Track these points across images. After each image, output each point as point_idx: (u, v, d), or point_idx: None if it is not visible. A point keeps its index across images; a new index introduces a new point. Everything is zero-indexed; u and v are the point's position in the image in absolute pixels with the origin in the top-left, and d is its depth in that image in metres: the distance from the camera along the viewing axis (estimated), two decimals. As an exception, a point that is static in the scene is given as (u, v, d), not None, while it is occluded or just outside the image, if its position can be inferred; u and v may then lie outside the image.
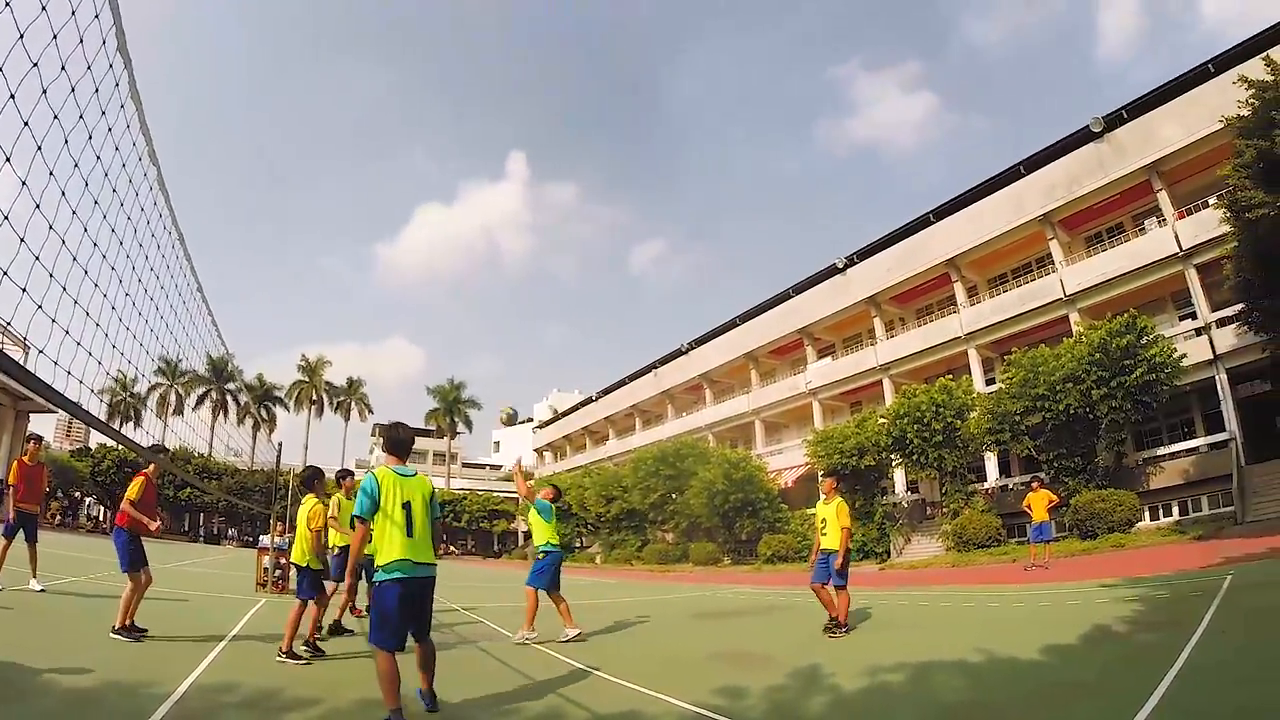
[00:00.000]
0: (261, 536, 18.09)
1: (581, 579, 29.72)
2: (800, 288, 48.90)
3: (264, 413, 70.93)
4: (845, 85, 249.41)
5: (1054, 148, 33.82)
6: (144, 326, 5.94)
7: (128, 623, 8.34)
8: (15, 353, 50.18)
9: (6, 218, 3.23)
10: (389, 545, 5.44)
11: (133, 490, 8.93)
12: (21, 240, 3.46)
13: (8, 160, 3.18)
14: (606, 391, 74.34)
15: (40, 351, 3.83)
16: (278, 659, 7.67)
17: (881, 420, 33.31)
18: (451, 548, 71.71)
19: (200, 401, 74.92)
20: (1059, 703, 6.02)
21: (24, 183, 3.39)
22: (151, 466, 9.46)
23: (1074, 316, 31.92)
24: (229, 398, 75.49)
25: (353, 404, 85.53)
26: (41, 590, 11.09)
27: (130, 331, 5.56)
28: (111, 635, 8.14)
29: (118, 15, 3.87)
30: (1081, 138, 32.56)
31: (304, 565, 8.68)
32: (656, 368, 64.66)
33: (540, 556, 10.45)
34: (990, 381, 34.88)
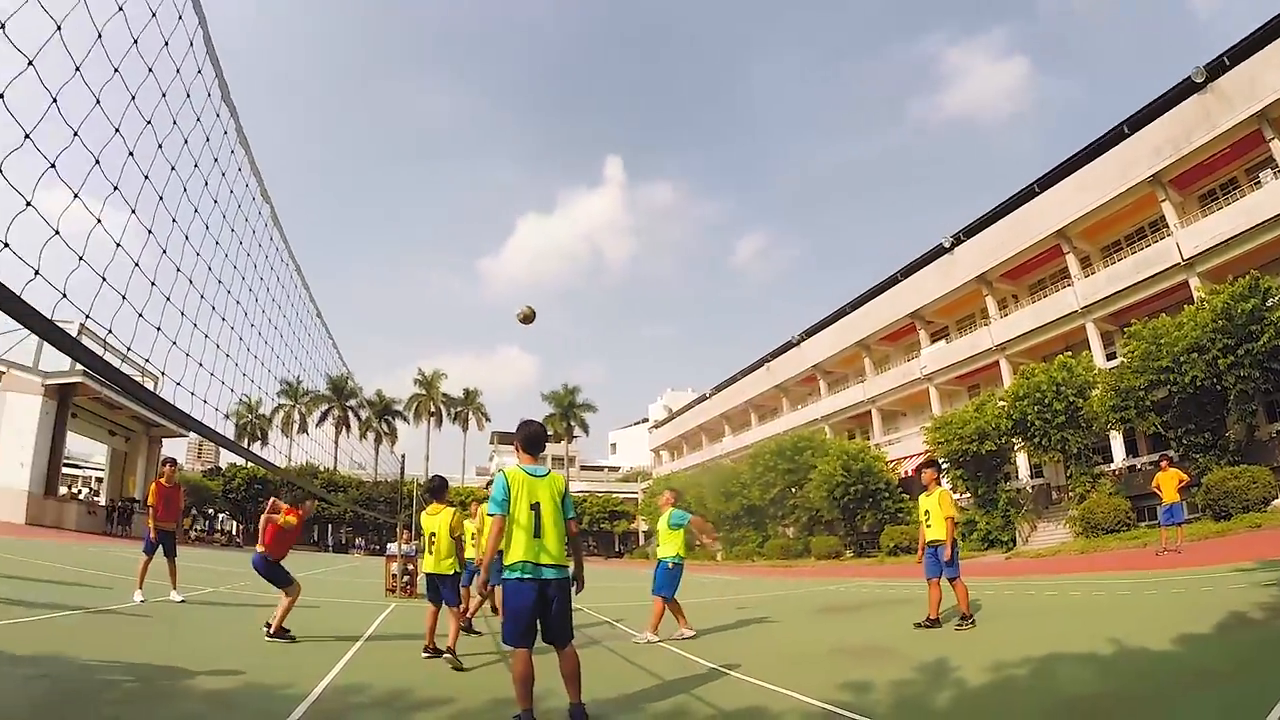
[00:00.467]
0: (389, 544, 18.76)
1: (703, 576, 29.80)
2: (908, 270, 47.84)
3: (385, 426, 73.03)
4: (933, 58, 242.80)
5: (1157, 104, 32.25)
6: (268, 352, 6.32)
7: (281, 627, 9.02)
8: (147, 384, 53.08)
9: (137, 265, 3.57)
10: (514, 545, 5.45)
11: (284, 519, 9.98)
12: (153, 284, 3.78)
13: (133, 212, 3.49)
14: (720, 388, 73.98)
15: (177, 383, 4.14)
16: (424, 655, 8.36)
17: (1000, 403, 32.22)
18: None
19: (323, 419, 77.89)
20: (1192, 693, 5.82)
21: (149, 231, 3.71)
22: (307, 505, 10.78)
23: (1194, 282, 30.18)
24: (350, 414, 77.97)
25: (470, 414, 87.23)
26: (181, 601, 11.91)
27: (256, 357, 5.92)
28: (267, 640, 8.79)
29: (219, 68, 4.17)
30: (1184, 90, 30.94)
31: (449, 573, 8.93)
32: (768, 361, 63.97)
33: (671, 567, 10.66)
34: (1111, 356, 33.56)
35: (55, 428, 41.70)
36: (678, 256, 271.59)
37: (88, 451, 72.83)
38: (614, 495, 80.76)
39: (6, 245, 2.23)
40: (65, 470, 52.91)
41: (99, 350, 3.25)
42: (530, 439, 5.96)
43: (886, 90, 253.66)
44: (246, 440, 75.80)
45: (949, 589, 10.25)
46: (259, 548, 9.66)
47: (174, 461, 13.32)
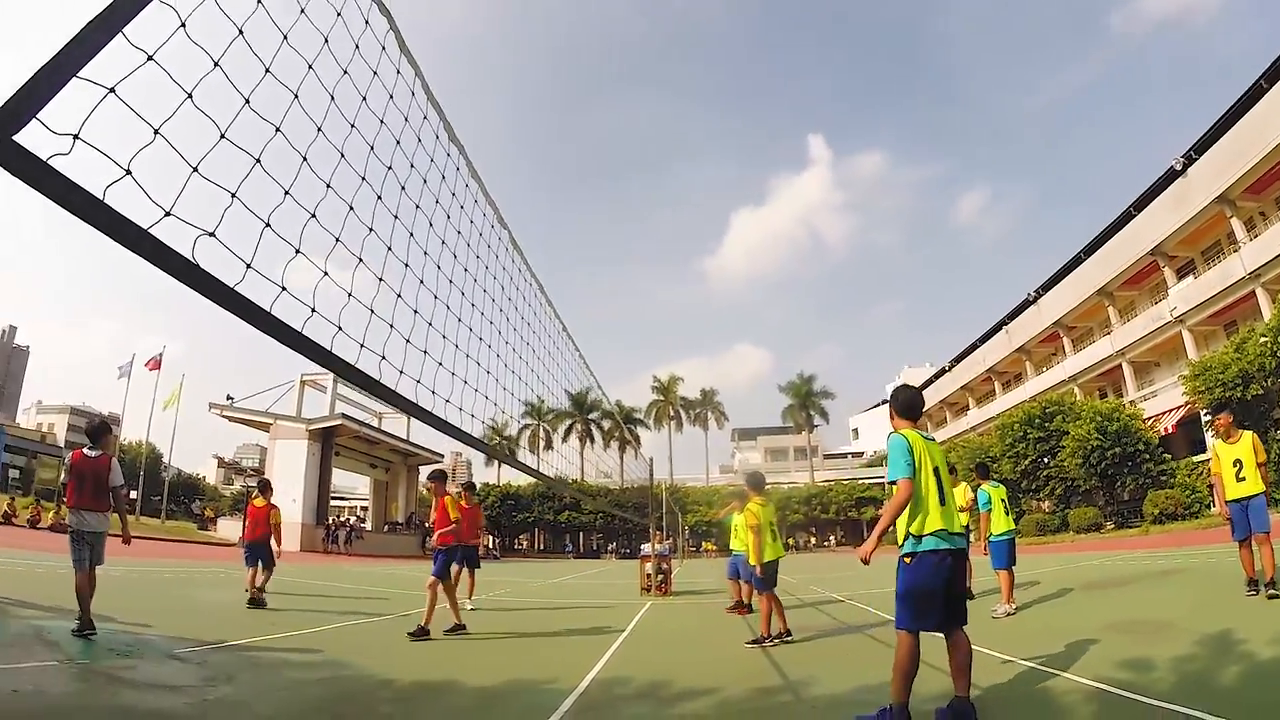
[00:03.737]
0: (643, 546, 19.28)
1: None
2: (1140, 203, 43.82)
3: (628, 435, 74.94)
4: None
5: None
6: (512, 377, 6.65)
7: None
8: (400, 420, 57.03)
9: (399, 296, 3.93)
10: (925, 513, 5.08)
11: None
12: (414, 311, 4.14)
13: (389, 249, 3.85)
14: (958, 359, 71.17)
15: (434, 413, 4.45)
16: (753, 645, 8.58)
17: (1263, 339, 28.73)
18: (826, 539, 71.89)
19: (567, 434, 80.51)
20: None
21: (406, 264, 4.07)
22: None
23: None
24: (592, 426, 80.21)
25: (709, 414, 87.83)
26: (473, 609, 12.94)
27: (499, 384, 6.25)
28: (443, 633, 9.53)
29: (440, 110, 4.50)
30: None
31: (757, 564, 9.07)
32: (1005, 324, 60.42)
33: (1004, 541, 10.88)
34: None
35: (321, 466, 45.69)
36: (897, 226, 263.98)
37: (352, 484, 77.95)
38: (859, 482, 78.30)
39: (286, 291, 2.53)
40: (333, 502, 57.45)
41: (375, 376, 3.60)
42: (908, 405, 5.59)
43: (1081, 8, 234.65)
44: (497, 463, 79.37)
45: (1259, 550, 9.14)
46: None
47: (471, 486, 14.67)
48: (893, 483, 5.18)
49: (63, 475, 8.95)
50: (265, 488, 13.98)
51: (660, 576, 16.82)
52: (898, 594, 5.14)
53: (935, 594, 4.99)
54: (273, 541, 13.23)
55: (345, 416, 48.35)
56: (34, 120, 1.72)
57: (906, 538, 5.11)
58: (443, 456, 69.01)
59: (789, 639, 8.81)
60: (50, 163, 1.78)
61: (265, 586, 12.72)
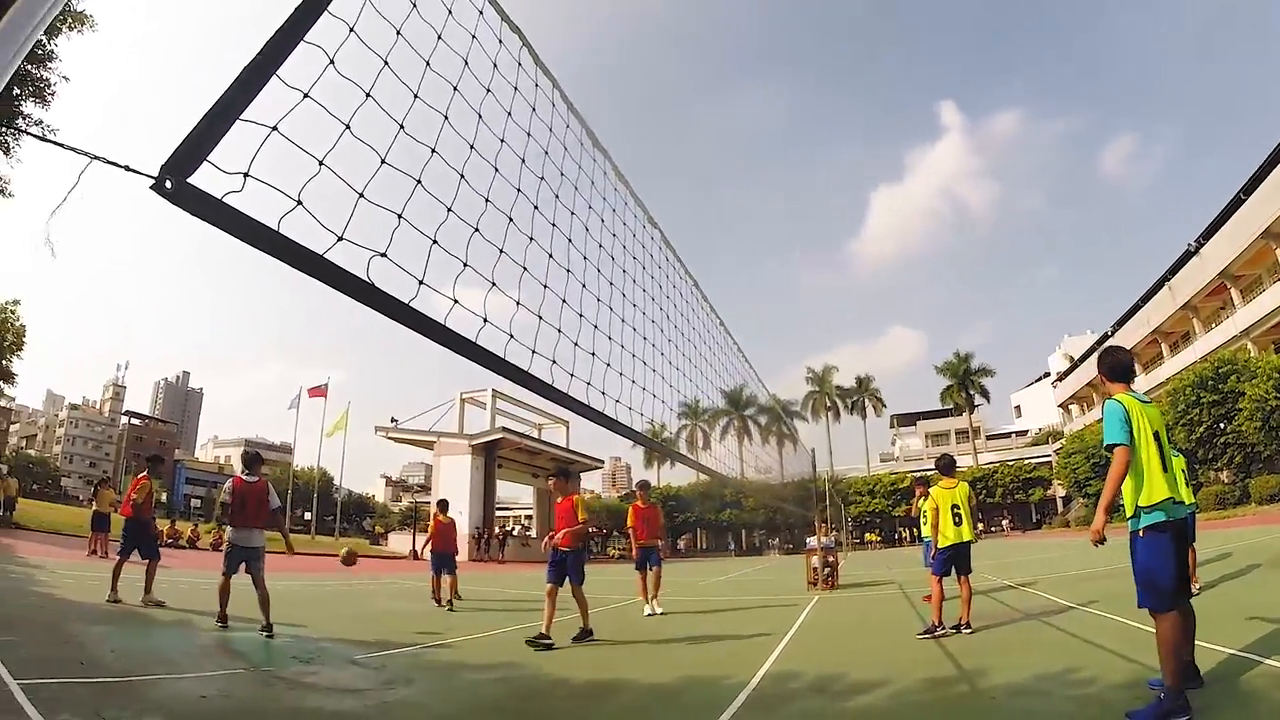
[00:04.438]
0: (808, 539, 19.08)
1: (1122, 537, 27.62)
2: None
3: (785, 428, 74.40)
4: None
5: None
6: (675, 373, 6.66)
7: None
8: (559, 429, 58.25)
9: (564, 301, 4.02)
10: (1149, 482, 4.80)
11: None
12: (580, 315, 4.21)
13: (550, 255, 3.94)
14: (1120, 323, 66.54)
15: (605, 413, 4.49)
16: (922, 635, 8.40)
17: None
18: (999, 525, 69.33)
19: (725, 432, 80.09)
20: None
21: (568, 270, 4.16)
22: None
23: None
24: (749, 423, 79.82)
25: (865, 401, 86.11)
26: (661, 613, 12.61)
27: (664, 380, 6.26)
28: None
29: (582, 120, 4.57)
30: None
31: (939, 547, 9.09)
32: (1167, 280, 54.45)
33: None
34: None
35: (485, 478, 46.96)
36: (1041, 186, 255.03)
37: (516, 494, 79.69)
38: (1025, 462, 74.81)
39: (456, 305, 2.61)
40: (498, 513, 59.05)
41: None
42: (1118, 367, 5.37)
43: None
44: (655, 464, 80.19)
45: None
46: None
47: (646, 485, 15.33)
48: (1109, 449, 4.96)
49: (223, 497, 9.84)
50: (444, 506, 15.90)
51: (827, 570, 16.61)
52: (1136, 574, 4.86)
53: (1175, 566, 4.73)
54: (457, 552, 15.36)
55: (506, 430, 49.69)
56: (205, 162, 1.81)
57: (1135, 512, 4.86)
58: (602, 463, 70.01)
59: (967, 630, 8.58)
60: (226, 200, 1.86)
61: (456, 590, 14.56)
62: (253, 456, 10.20)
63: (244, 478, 9.78)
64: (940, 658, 7.23)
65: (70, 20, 20.81)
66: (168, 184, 1.75)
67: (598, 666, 7.82)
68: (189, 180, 1.79)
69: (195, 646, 8.49)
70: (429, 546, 15.14)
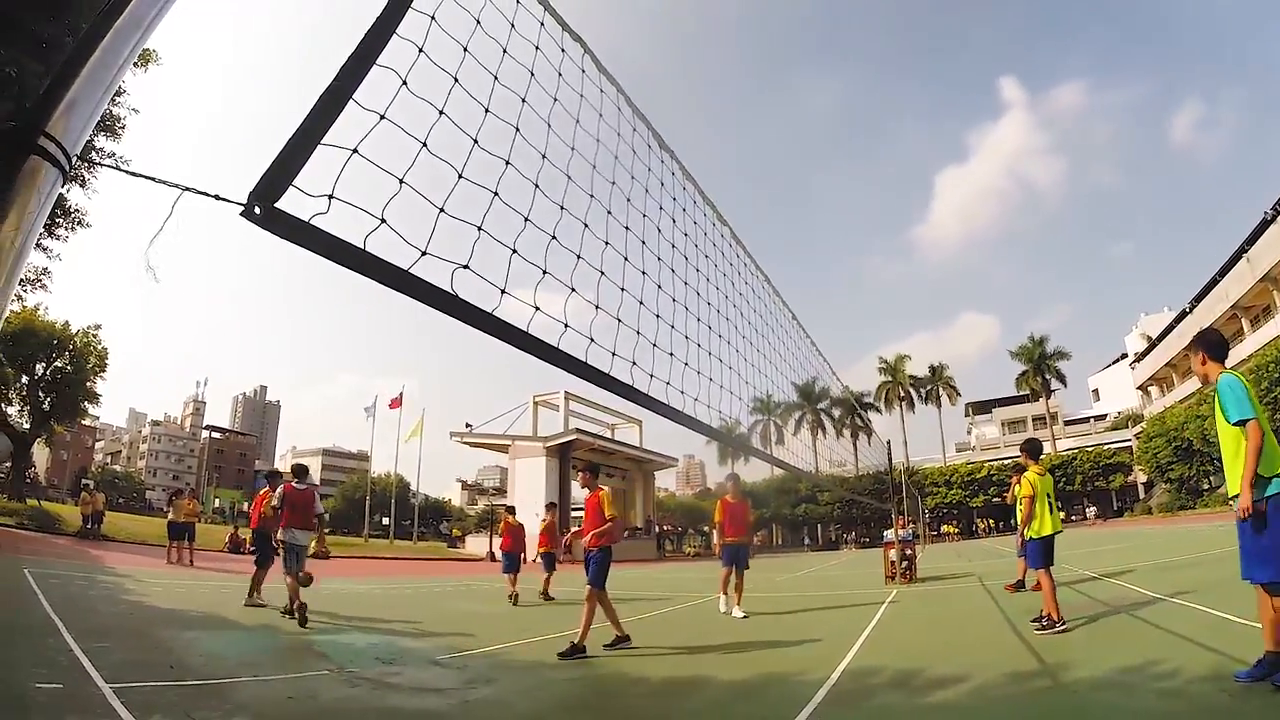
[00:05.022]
0: (885, 532, 18.94)
1: (1199, 526, 27.14)
2: None
3: (858, 420, 73.57)
4: None
5: None
6: (750, 369, 6.67)
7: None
8: (632, 429, 58.41)
9: (641, 303, 4.09)
10: (1272, 453, 4.81)
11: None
12: (656, 315, 4.27)
13: (625, 258, 4.02)
14: (1199, 298, 63.62)
15: (684, 412, 4.53)
16: (1038, 633, 8.04)
17: None
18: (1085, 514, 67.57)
19: (798, 426, 79.42)
20: None
21: (643, 272, 4.21)
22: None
23: None
24: (822, 416, 79.25)
25: (940, 390, 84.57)
26: (743, 617, 11.95)
27: (740, 377, 6.29)
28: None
29: (648, 122, 4.63)
30: None
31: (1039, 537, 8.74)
32: (1245, 251, 51.04)
33: None
34: None
35: (560, 480, 47.19)
36: (1110, 159, 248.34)
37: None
38: (1104, 447, 73.10)
39: (535, 310, 2.67)
40: (574, 513, 59.42)
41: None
42: (1217, 345, 5.55)
43: None
44: (730, 461, 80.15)
45: None
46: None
47: (736, 477, 14.52)
48: (1239, 424, 4.90)
49: (274, 501, 11.12)
50: (512, 511, 17.56)
51: (905, 563, 16.46)
52: (1263, 545, 4.77)
53: None
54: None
55: (580, 431, 50.05)
56: (291, 187, 1.88)
57: (1258, 482, 4.80)
58: (676, 461, 70.04)
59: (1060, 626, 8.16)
60: (314, 222, 1.93)
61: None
62: (301, 469, 11.83)
63: (294, 485, 11.25)
64: (1022, 651, 7.15)
65: (139, 59, 21.44)
66: (257, 210, 1.83)
67: (676, 664, 7.87)
68: (277, 205, 1.86)
69: (281, 649, 8.76)
70: (502, 547, 16.33)
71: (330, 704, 5.94)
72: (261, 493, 13.42)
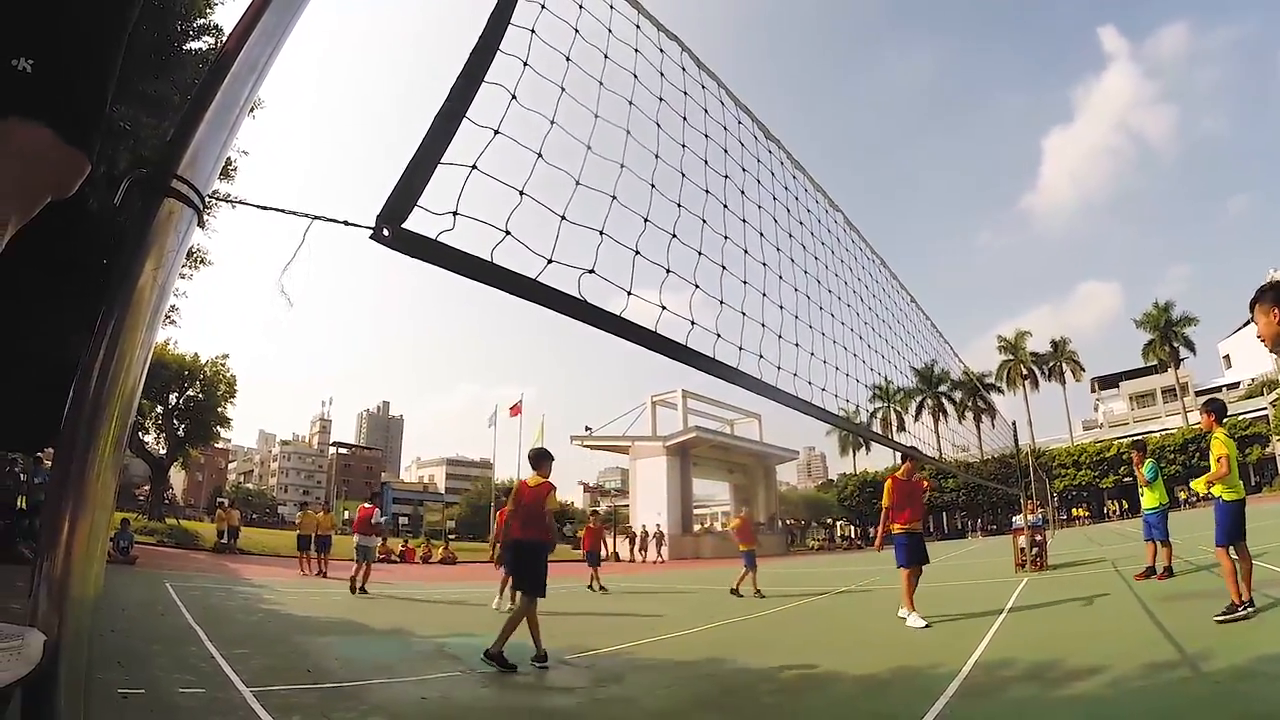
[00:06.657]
0: (1014, 518, 18.49)
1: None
2: None
3: (980, 403, 71.73)
4: None
5: None
6: (873, 354, 6.60)
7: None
8: (751, 424, 58.29)
9: (764, 295, 4.12)
10: None
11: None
12: (782, 309, 4.29)
13: (745, 251, 4.07)
14: None
15: (812, 403, 4.51)
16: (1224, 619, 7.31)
17: None
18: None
19: (919, 412, 77.55)
20: None
21: (764, 264, 4.24)
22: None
23: None
24: (943, 399, 77.59)
25: (1063, 366, 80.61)
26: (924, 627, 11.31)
27: (865, 364, 6.23)
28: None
29: (752, 114, 4.63)
30: None
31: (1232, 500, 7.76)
32: None
33: None
34: None
35: (681, 478, 47.39)
36: (1222, 104, 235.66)
37: (712, 492, 79.89)
38: (1240, 418, 67.54)
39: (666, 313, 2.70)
40: (696, 510, 59.53)
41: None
42: None
43: None
44: (852, 451, 79.34)
45: None
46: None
47: (915, 450, 10.20)
48: None
49: (345, 515, 11.29)
50: (595, 514, 22.47)
51: (1035, 550, 16.01)
52: None
53: None
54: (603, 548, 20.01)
55: (699, 428, 50.14)
56: (416, 208, 1.95)
57: None
58: (797, 454, 69.53)
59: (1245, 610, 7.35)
60: (441, 240, 1.98)
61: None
62: (373, 493, 16.45)
63: (365, 505, 17.19)
64: (1160, 640, 6.93)
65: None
66: (385, 232, 1.89)
67: (803, 658, 7.84)
68: (404, 225, 1.91)
69: (414, 653, 8.99)
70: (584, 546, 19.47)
71: (464, 704, 6.12)
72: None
